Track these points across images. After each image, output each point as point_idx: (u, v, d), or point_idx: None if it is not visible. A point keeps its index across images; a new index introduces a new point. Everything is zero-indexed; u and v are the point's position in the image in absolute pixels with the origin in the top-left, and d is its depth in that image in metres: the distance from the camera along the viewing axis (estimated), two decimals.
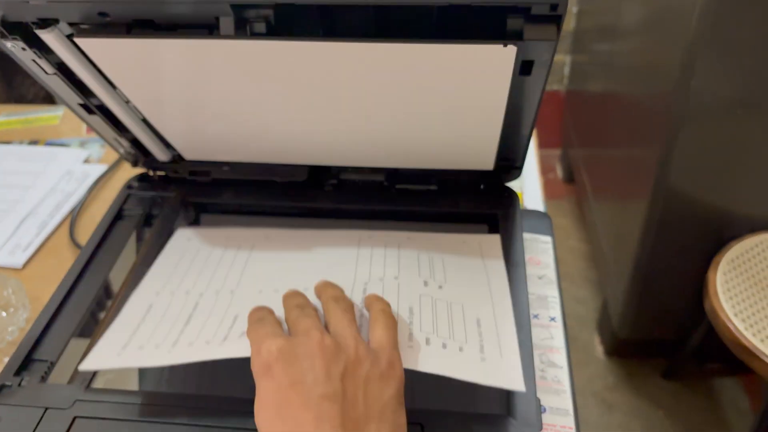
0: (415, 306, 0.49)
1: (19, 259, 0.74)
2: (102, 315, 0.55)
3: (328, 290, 0.47)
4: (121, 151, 0.63)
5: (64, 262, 0.74)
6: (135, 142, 0.62)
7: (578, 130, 1.91)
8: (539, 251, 0.61)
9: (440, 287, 0.53)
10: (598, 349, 1.57)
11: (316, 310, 0.45)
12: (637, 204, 1.30)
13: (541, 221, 0.65)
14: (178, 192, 0.65)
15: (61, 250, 0.77)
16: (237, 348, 0.44)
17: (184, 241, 0.62)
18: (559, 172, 2.14)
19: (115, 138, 0.60)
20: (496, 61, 0.43)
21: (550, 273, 0.59)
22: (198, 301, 0.53)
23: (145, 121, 0.57)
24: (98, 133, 0.59)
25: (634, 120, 1.35)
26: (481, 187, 0.64)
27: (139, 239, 0.63)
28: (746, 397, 1.44)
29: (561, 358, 0.52)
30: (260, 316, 0.44)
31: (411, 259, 0.57)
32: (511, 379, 0.44)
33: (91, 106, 0.54)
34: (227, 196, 0.65)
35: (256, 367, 0.39)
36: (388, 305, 0.46)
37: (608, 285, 1.54)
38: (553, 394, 0.49)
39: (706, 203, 1.17)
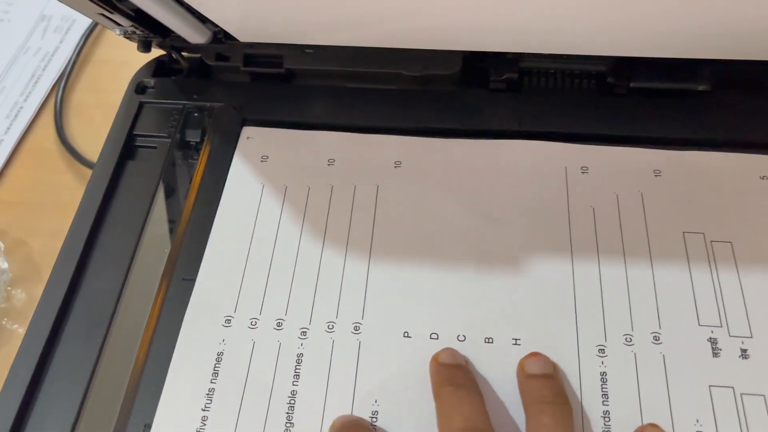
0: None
1: None
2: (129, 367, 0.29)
3: (534, 387, 0.27)
4: (118, 32, 0.33)
5: (55, 175, 0.47)
6: (140, 16, 0.32)
7: None
8: None
9: (742, 352, 0.28)
10: None
11: (478, 396, 0.27)
12: None
13: None
14: (228, 99, 0.36)
15: (47, 154, 0.49)
16: None
17: (252, 167, 0.35)
18: None
19: (100, 13, 0.30)
20: None
21: None
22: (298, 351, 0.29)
23: None
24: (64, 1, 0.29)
25: None
26: None
27: (169, 191, 0.35)
28: None
29: None
30: None
31: (670, 255, 0.30)
32: None
33: None
34: (319, 107, 0.36)
35: None
36: None
37: None
38: None
39: None
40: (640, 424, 0.27)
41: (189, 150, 0.36)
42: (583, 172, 0.33)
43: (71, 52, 0.54)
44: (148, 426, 0.27)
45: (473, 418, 0.26)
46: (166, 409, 0.28)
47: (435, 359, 0.28)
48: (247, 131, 0.36)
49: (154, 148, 0.36)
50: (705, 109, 0.34)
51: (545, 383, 0.27)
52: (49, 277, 0.31)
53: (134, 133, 0.36)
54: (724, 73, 0.34)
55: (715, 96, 0.34)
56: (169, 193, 0.35)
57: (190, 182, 0.34)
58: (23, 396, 0.28)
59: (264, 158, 0.35)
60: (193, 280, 0.31)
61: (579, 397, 0.27)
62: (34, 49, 0.56)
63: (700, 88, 0.34)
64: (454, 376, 0.27)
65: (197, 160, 0.35)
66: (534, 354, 0.28)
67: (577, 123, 0.34)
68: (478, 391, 0.27)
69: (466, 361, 0.28)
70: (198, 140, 0.36)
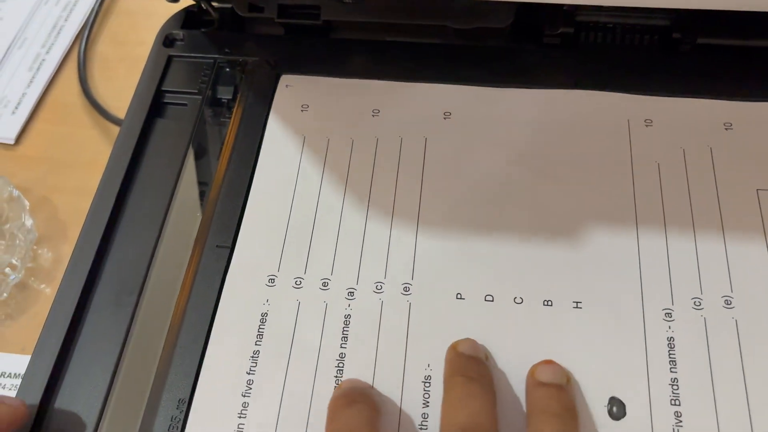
0: None
1: (8, 129, 0.46)
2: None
3: (542, 396, 0.25)
4: None
5: (79, 131, 0.45)
6: None
7: None
8: None
9: None
10: None
11: (490, 393, 0.25)
12: None
13: None
14: (261, 53, 0.34)
15: (70, 108, 0.47)
16: None
17: (292, 117, 0.33)
18: None
19: None
20: None
21: None
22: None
23: None
24: None
25: None
26: None
27: (200, 152, 0.33)
28: None
29: None
30: (352, 398, 0.25)
31: (742, 214, 0.29)
32: None
33: None
34: (358, 62, 0.34)
35: None
36: None
37: None
38: None
39: None
40: (711, 392, 0.25)
41: (220, 107, 0.34)
42: (647, 125, 0.31)
43: (94, 1, 0.52)
44: (183, 401, 0.26)
45: (480, 415, 0.24)
46: (210, 372, 0.27)
47: (453, 347, 0.26)
48: (286, 79, 0.34)
49: (184, 105, 0.34)
50: None
51: (554, 393, 0.25)
52: (77, 242, 0.30)
53: (163, 89, 0.34)
54: None
55: None
56: (201, 154, 0.33)
57: (222, 143, 0.32)
58: (52, 370, 0.27)
59: (304, 107, 0.33)
60: (227, 247, 0.29)
61: (645, 363, 0.26)
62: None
63: None
64: (468, 368, 0.25)
65: (229, 118, 0.33)
66: (547, 361, 0.26)
67: (637, 82, 0.32)
68: (491, 388, 0.25)
69: (487, 356, 0.26)
70: (230, 97, 0.34)
